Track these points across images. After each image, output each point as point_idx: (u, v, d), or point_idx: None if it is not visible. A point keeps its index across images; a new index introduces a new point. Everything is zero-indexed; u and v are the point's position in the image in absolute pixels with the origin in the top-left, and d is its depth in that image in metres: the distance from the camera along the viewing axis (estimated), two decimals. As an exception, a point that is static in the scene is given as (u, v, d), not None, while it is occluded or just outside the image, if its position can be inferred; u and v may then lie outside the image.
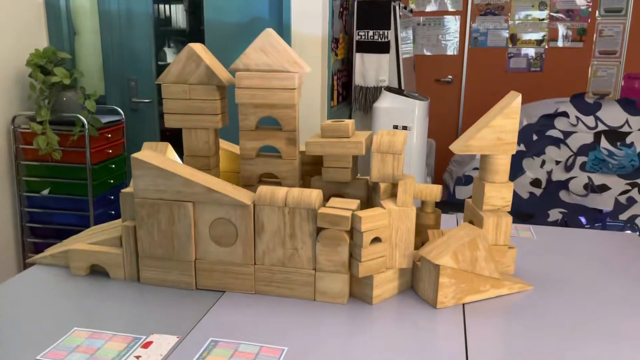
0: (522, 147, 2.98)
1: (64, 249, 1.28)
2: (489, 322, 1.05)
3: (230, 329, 1.01)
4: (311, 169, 1.33)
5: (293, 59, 1.18)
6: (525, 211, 2.96)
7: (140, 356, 0.92)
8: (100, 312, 1.09)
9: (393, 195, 1.17)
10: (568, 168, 2.89)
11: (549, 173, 2.95)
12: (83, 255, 1.23)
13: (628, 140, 2.85)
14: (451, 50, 4.10)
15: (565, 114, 2.92)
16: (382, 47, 2.62)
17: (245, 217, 1.12)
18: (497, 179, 1.18)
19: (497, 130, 1.15)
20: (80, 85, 2.43)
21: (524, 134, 2.98)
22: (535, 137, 2.96)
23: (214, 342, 0.96)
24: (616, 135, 2.86)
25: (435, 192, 1.24)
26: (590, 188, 2.83)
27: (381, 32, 2.66)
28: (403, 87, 2.62)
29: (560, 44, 3.90)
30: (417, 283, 1.15)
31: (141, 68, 2.53)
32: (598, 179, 2.89)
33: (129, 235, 1.20)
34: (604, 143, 2.79)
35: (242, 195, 1.13)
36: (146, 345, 0.95)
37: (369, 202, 1.23)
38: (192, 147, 1.27)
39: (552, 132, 2.91)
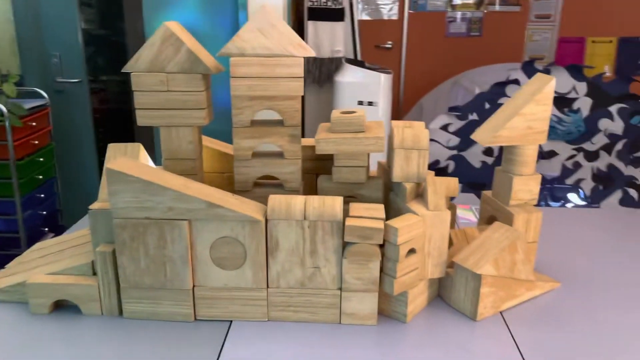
0: (475, 116, 2.94)
1: (17, 282, 1.03)
2: (536, 329, 0.96)
3: (255, 373, 0.85)
4: (310, 166, 1.16)
5: (297, 41, 0.99)
6: (477, 181, 2.96)
7: None
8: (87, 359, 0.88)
9: (418, 196, 1.04)
10: (519, 135, 2.91)
11: (501, 141, 2.96)
12: (46, 289, 1.00)
13: (575, 106, 2.90)
14: (390, 14, 3.97)
15: (516, 82, 2.90)
16: (336, 15, 2.43)
17: (256, 235, 0.94)
18: (525, 171, 1.08)
19: (528, 119, 1.03)
20: (-11, 63, 2.04)
21: (477, 102, 2.94)
22: (487, 106, 2.93)
23: (244, 397, 0.79)
24: (564, 102, 2.90)
25: (452, 186, 1.12)
26: (540, 155, 2.86)
27: (335, -3, 2.46)
28: (359, 58, 2.46)
29: (497, 7, 3.89)
30: (448, 293, 1.04)
31: (65, 41, 2.16)
32: (547, 145, 2.93)
33: (105, 262, 0.98)
34: (553, 110, 2.81)
35: (251, 208, 0.95)
36: (160, 410, 0.77)
37: (386, 204, 1.09)
38: (172, 149, 1.05)
39: (503, 100, 2.90)
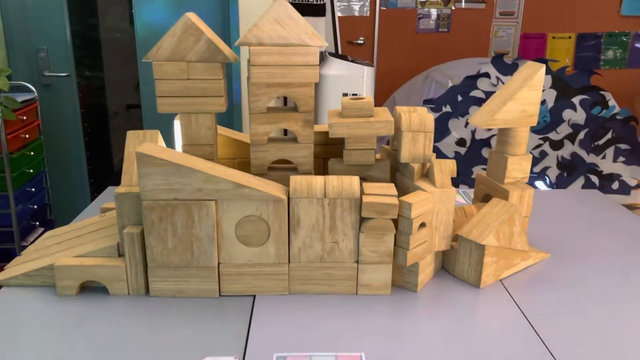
0: (448, 108, 3.07)
1: (41, 266, 1.06)
2: (534, 293, 1.06)
3: (286, 339, 0.91)
4: (318, 151, 1.23)
5: (310, 31, 1.06)
6: (452, 170, 3.08)
7: (206, 389, 0.79)
8: (120, 338, 0.92)
9: (423, 175, 1.12)
10: (489, 126, 3.05)
11: (473, 132, 3.08)
12: (73, 271, 1.03)
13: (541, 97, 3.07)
14: (362, 11, 4.07)
15: (487, 75, 3.04)
16: (318, 10, 2.50)
17: (279, 213, 1.00)
18: (518, 151, 1.17)
19: (522, 103, 1.13)
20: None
21: (449, 95, 3.06)
22: (460, 98, 3.06)
23: (281, 358, 0.86)
24: (531, 94, 3.06)
25: (450, 167, 1.21)
26: (509, 144, 3.00)
27: (316, -7, 2.52)
28: (340, 52, 2.53)
29: (464, 4, 4.05)
30: (452, 264, 1.13)
31: (53, 35, 2.14)
32: (515, 135, 3.08)
33: (133, 243, 1.02)
34: (521, 101, 2.96)
35: (274, 188, 1.01)
36: (205, 373, 0.82)
37: (394, 184, 1.17)
38: (192, 135, 1.10)
39: (475, 93, 3.03)
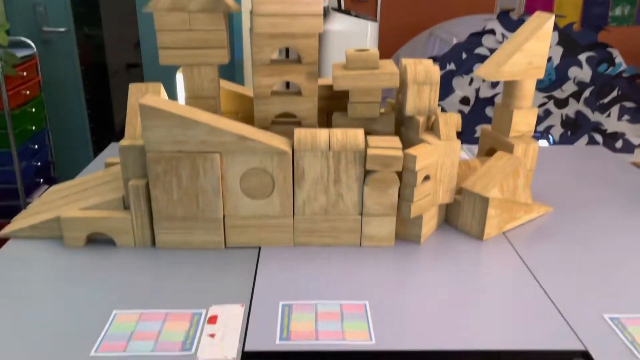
0: (452, 66, 3.02)
1: (48, 218, 1.07)
2: (537, 245, 1.07)
3: (291, 289, 0.93)
4: (321, 105, 1.22)
5: (315, -20, 1.03)
6: (455, 129, 3.06)
7: (214, 334, 0.81)
8: (129, 288, 0.94)
9: (428, 129, 1.11)
10: (494, 85, 3.01)
11: (477, 90, 3.05)
12: (80, 223, 1.04)
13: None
14: (365, -35, 3.95)
15: (492, 32, 2.98)
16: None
17: (284, 166, 1.00)
18: (524, 104, 1.16)
19: (529, 54, 1.11)
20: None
21: (454, 52, 3.02)
22: (464, 56, 3.01)
23: (287, 306, 0.87)
24: (537, 51, 3.01)
25: (455, 120, 1.20)
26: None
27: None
28: (343, 7, 2.48)
29: (470, -41, 3.92)
30: (455, 217, 1.13)
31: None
32: (520, 93, 3.05)
33: (138, 195, 1.02)
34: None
35: (279, 141, 1.00)
36: (212, 320, 0.84)
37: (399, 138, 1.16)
38: (194, 88, 1.09)
39: (480, 50, 2.98)
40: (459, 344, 0.80)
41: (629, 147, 3.06)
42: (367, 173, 1.01)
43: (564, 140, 3.12)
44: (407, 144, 1.11)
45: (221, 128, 0.97)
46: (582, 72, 3.06)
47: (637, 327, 0.83)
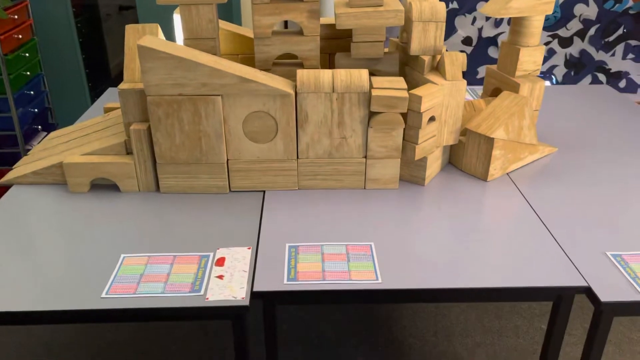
0: (455, 5, 2.93)
1: (51, 164, 1.07)
2: (540, 185, 1.07)
3: (297, 231, 0.93)
4: (322, 46, 1.19)
5: None
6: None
7: (223, 275, 0.82)
8: (136, 232, 0.94)
9: (433, 69, 1.09)
10: (497, 23, 2.93)
11: (480, 30, 2.98)
12: (83, 169, 1.04)
13: (553, -9, 2.92)
14: None
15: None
16: None
17: (287, 108, 0.99)
18: (531, 42, 1.13)
19: (538, -10, 1.08)
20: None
21: (457, -10, 2.92)
22: (467, -7, 2.92)
23: (293, 248, 0.88)
24: (543, -13, 2.91)
25: (461, 60, 1.18)
26: (517, 42, 2.90)
27: None
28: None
29: None
30: (460, 159, 1.13)
31: None
32: (524, 32, 2.97)
33: (140, 140, 1.01)
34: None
35: (281, 83, 0.98)
36: (220, 262, 0.85)
37: (404, 78, 1.14)
38: (193, 28, 1.06)
39: (483, -13, 2.89)
40: (464, 282, 0.81)
41: (632, 87, 3.02)
42: (371, 115, 1.00)
43: (567, 80, 3.07)
44: (411, 84, 1.09)
45: (222, 70, 0.94)
46: (588, 9, 2.98)
47: (639, 264, 0.84)
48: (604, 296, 0.78)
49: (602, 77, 3.08)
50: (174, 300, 0.77)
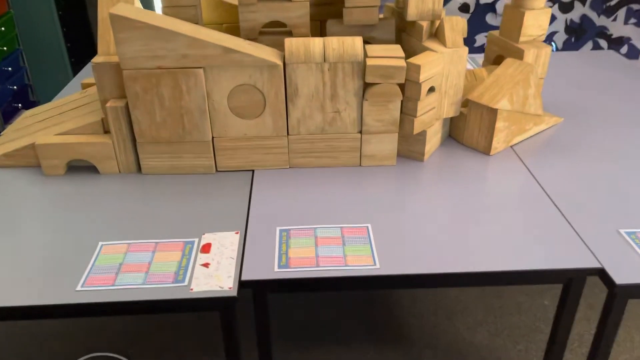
0: (452, -30, 2.82)
1: (23, 145, 1.00)
2: (546, 158, 1.01)
3: (288, 213, 0.87)
4: (313, 12, 1.11)
5: None
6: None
7: (209, 263, 0.76)
8: (116, 217, 0.88)
9: (431, 35, 1.01)
10: (495, -12, 2.83)
11: (477, -5, 2.87)
12: (58, 150, 0.97)
13: (553, -47, 2.81)
14: None
15: None
16: None
17: (275, 81, 0.91)
18: (536, 4, 1.06)
19: (545, -53, 0.99)
20: None
21: (453, -47, 2.80)
22: (465, -43, 2.80)
23: (285, 232, 0.82)
24: (542, -51, 2.80)
25: (461, 25, 1.10)
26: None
27: None
28: None
29: None
30: (461, 132, 1.06)
31: None
32: (522, -3, 2.87)
33: (117, 117, 0.94)
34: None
35: (268, 53, 0.91)
36: (205, 248, 0.79)
37: (400, 45, 1.06)
38: (172, -5, 0.98)
39: (481, -49, 2.78)
40: (468, 266, 0.76)
41: (634, 53, 2.94)
42: (366, 86, 0.93)
43: (568, 46, 2.98)
44: (409, 52, 1.01)
45: (204, 40, 0.87)
46: (589, -28, 2.88)
47: (654, 242, 0.79)
48: (619, 278, 0.72)
49: (603, 43, 2.99)
50: (155, 291, 0.71)
